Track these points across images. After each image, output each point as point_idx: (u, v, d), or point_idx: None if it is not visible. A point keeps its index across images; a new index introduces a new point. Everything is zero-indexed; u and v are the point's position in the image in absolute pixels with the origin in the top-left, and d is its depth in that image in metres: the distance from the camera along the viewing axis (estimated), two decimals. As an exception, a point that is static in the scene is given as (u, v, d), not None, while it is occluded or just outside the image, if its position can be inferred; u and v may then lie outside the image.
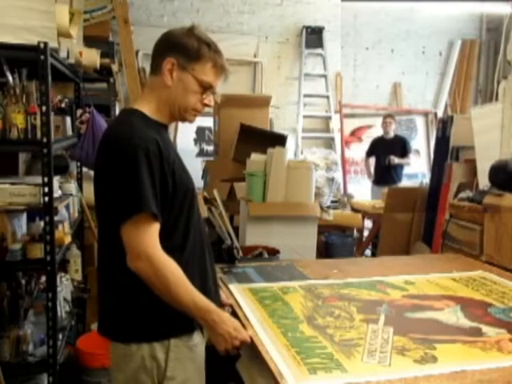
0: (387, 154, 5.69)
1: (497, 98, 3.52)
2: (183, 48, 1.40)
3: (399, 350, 1.42)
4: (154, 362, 1.37)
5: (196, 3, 5.97)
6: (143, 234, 1.31)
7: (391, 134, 5.88)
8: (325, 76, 6.25)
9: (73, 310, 2.73)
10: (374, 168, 5.97)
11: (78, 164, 3.42)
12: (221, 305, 1.57)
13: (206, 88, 1.44)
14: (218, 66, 1.44)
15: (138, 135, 1.33)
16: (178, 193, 1.39)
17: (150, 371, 1.37)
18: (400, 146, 5.82)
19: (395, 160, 5.66)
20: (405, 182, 5.86)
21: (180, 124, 5.17)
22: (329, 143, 6.33)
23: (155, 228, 1.33)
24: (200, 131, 5.95)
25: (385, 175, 5.74)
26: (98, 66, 3.45)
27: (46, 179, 2.16)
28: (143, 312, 1.38)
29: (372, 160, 6.03)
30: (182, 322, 1.40)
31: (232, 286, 1.97)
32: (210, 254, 1.55)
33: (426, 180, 5.37)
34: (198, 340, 1.47)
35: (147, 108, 1.44)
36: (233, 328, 1.41)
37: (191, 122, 1.52)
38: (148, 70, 1.58)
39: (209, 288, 1.48)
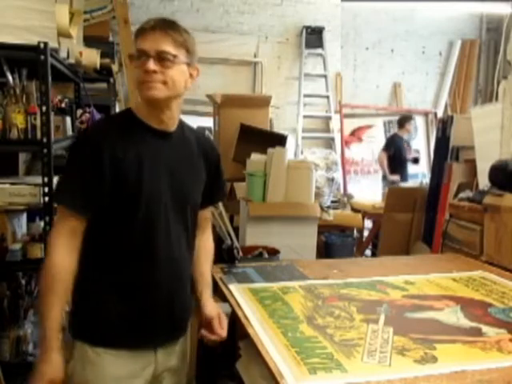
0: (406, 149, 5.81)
1: (497, 98, 3.51)
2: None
3: (399, 350, 1.42)
4: None
5: (196, 3, 5.97)
6: (54, 226, 1.39)
7: None
8: (325, 76, 6.25)
9: (73, 309, 2.72)
10: (395, 164, 5.83)
11: (78, 164, 3.41)
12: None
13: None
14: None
15: (90, 130, 1.42)
16: (118, 197, 1.33)
17: None
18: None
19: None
20: (405, 182, 5.84)
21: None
22: (329, 143, 6.33)
23: (67, 223, 1.32)
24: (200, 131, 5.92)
25: (407, 170, 5.82)
26: (98, 65, 3.44)
27: (46, 179, 2.16)
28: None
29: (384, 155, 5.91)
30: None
31: (232, 286, 1.97)
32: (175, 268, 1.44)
33: (426, 180, 5.34)
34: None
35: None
36: (41, 375, 1.28)
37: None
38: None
39: (156, 309, 1.41)
